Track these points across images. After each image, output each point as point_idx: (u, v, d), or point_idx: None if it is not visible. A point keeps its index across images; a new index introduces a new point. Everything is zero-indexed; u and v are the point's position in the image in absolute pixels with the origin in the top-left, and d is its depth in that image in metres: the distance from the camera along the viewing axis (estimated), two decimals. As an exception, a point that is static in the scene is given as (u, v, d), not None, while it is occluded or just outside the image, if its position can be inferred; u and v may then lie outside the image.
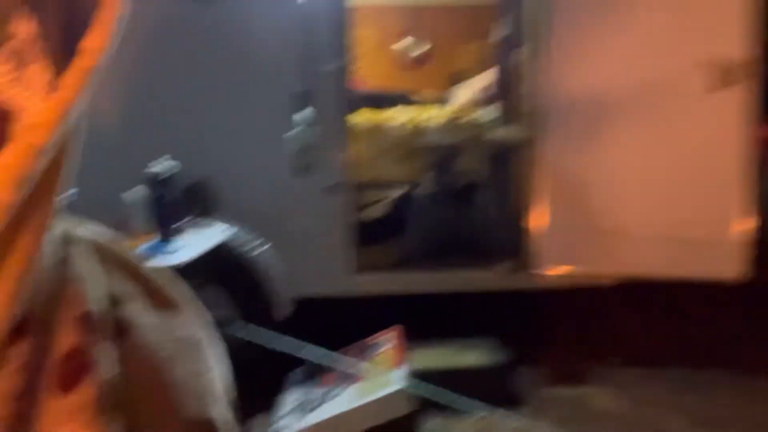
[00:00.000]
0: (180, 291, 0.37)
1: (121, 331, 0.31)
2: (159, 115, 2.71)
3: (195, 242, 2.11)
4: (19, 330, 0.27)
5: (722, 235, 2.58)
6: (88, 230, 0.36)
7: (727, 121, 2.57)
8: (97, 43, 0.28)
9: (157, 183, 2.07)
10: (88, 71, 0.28)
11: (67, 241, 0.33)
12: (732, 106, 2.55)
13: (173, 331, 0.34)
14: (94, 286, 0.31)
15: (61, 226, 0.33)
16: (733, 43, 2.53)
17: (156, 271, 0.37)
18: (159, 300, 0.35)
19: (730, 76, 2.51)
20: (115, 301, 0.32)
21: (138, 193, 2.07)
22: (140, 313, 0.33)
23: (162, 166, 2.09)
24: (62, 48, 0.28)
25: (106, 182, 2.49)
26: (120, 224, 2.00)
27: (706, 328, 2.96)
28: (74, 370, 0.28)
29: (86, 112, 0.30)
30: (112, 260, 0.35)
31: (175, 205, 2.12)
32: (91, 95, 0.30)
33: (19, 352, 0.27)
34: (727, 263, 2.56)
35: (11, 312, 0.26)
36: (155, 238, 2.06)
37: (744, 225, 2.57)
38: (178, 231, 2.12)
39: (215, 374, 0.36)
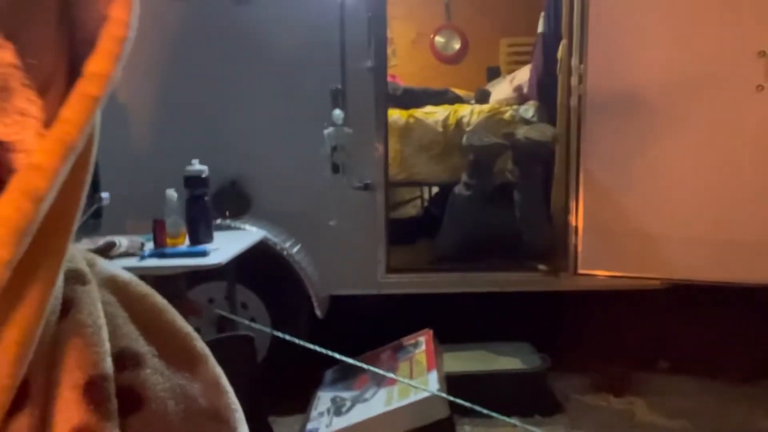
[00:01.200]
0: (199, 346, 0.33)
1: (133, 403, 0.27)
2: (192, 115, 2.73)
3: (229, 243, 2.11)
4: (18, 398, 0.24)
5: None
6: (106, 266, 0.32)
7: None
8: (102, 66, 0.24)
9: (192, 184, 2.08)
10: (92, 101, 0.24)
11: (77, 279, 0.29)
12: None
13: (193, 400, 0.30)
14: (104, 340, 0.27)
15: (71, 262, 0.29)
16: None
17: (177, 320, 0.33)
18: (177, 356, 0.31)
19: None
20: (128, 361, 0.28)
21: (173, 194, 2.08)
22: (156, 380, 0.29)
23: (196, 167, 2.09)
24: (62, 70, 0.24)
25: (141, 184, 2.53)
26: (156, 226, 2.01)
27: (757, 336, 2.82)
28: None
29: (96, 138, 0.27)
30: (131, 302, 0.31)
31: (209, 207, 2.13)
32: (98, 126, 0.25)
33: (19, 429, 0.24)
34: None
35: (15, 381, 0.23)
36: (190, 240, 2.07)
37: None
38: (213, 232, 2.13)
39: None
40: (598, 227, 2.67)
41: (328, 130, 2.63)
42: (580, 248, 2.69)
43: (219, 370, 0.33)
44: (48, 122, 0.23)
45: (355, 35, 2.65)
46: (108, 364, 0.27)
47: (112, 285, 0.31)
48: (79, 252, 0.31)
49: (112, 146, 2.68)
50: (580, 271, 2.70)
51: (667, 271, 2.62)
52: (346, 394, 2.44)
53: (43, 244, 0.24)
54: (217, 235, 2.17)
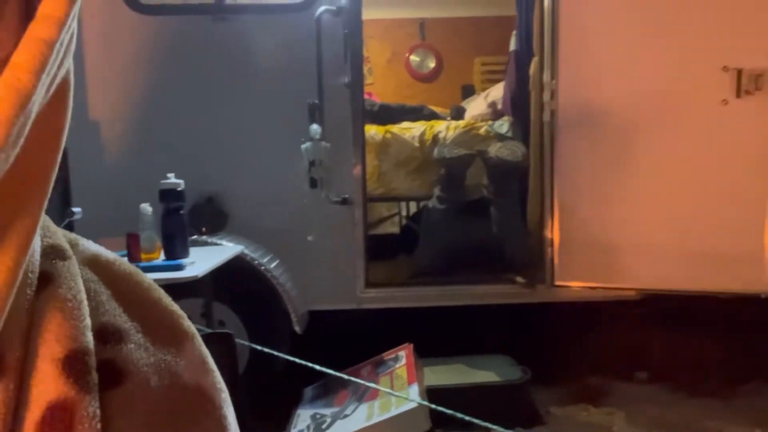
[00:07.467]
0: (186, 324, 0.32)
1: (114, 377, 0.27)
2: (169, 130, 2.71)
3: (205, 258, 2.09)
4: None
5: (747, 247, 2.51)
6: (89, 245, 0.32)
7: (751, 131, 2.51)
8: (55, 7, 0.23)
9: (167, 198, 2.06)
10: (44, 44, 0.22)
11: (56, 254, 0.28)
12: (755, 116, 2.49)
13: (177, 376, 0.29)
14: (84, 315, 0.27)
15: (50, 237, 0.29)
16: (756, 50, 2.48)
17: (163, 298, 0.32)
18: (162, 333, 0.30)
19: (754, 83, 2.46)
20: (110, 336, 0.28)
21: (147, 209, 2.05)
22: (139, 355, 0.28)
23: (171, 180, 2.07)
24: (15, 16, 0.23)
25: (115, 199, 2.49)
26: (130, 240, 1.98)
27: (732, 344, 2.87)
28: None
29: (69, 97, 0.25)
30: (115, 281, 0.30)
31: (185, 221, 2.10)
32: (52, 83, 0.23)
33: None
34: (753, 277, 2.49)
35: None
36: (165, 254, 2.03)
37: (768, 236, 2.50)
38: (189, 247, 2.10)
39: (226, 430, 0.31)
40: (574, 240, 2.71)
41: (306, 145, 2.64)
42: (556, 260, 2.73)
43: (205, 350, 0.32)
44: None
45: (332, 51, 2.68)
46: (88, 339, 0.26)
47: (95, 263, 0.31)
48: (60, 231, 0.31)
49: (84, 160, 2.65)
50: (557, 282, 2.73)
51: (642, 281, 2.67)
52: (326, 411, 2.41)
53: (14, 206, 0.23)
54: (194, 251, 2.14)
